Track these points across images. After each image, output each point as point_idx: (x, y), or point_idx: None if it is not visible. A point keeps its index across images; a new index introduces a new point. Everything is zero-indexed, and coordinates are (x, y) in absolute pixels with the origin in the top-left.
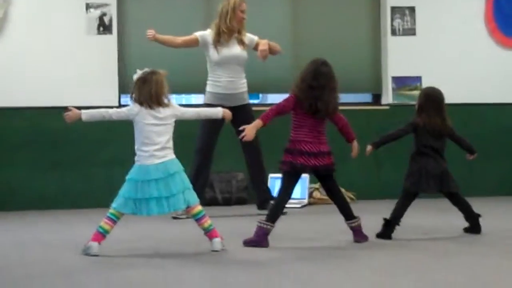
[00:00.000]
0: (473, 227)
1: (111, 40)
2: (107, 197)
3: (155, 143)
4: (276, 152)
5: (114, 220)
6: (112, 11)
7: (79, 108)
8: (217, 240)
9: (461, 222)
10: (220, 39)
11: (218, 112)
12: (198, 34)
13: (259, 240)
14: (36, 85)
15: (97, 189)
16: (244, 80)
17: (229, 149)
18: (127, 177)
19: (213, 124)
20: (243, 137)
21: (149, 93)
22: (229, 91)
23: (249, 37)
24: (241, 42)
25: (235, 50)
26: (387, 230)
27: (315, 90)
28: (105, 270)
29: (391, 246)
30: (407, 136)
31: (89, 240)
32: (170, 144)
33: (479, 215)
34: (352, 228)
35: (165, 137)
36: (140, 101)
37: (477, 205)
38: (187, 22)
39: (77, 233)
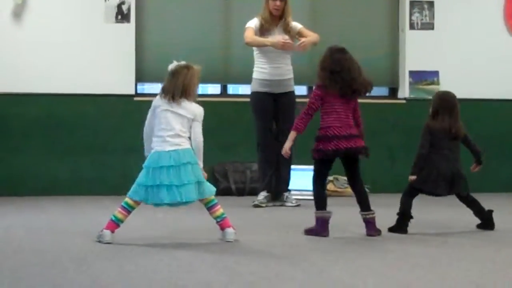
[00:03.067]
0: (486, 223)
1: (129, 29)
2: (121, 184)
3: (170, 129)
4: (298, 143)
5: (128, 209)
6: (130, 0)
7: (94, 95)
8: (229, 230)
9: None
10: (263, 26)
11: (201, 160)
12: (251, 24)
13: (318, 229)
14: (53, 72)
15: (111, 176)
16: (290, 67)
17: (244, 139)
18: (143, 164)
19: (265, 114)
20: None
21: (175, 86)
22: (274, 77)
23: (293, 24)
24: (286, 30)
25: (278, 37)
26: (401, 224)
27: (340, 73)
28: (118, 257)
29: (405, 239)
30: (420, 130)
31: (103, 228)
32: (186, 135)
33: (491, 211)
34: (365, 220)
35: (180, 126)
36: (165, 92)
37: (490, 201)
38: (205, 12)
39: (90, 220)
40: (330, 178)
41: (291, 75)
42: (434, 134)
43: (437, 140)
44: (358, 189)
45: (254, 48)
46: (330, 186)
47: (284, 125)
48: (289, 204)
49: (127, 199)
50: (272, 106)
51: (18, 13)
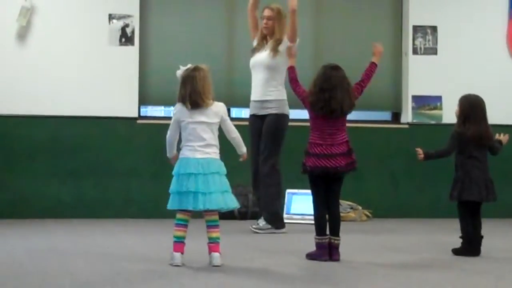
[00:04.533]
0: (469, 248)
1: (132, 51)
2: (124, 207)
3: (200, 140)
4: (290, 167)
5: (180, 224)
6: (134, 23)
7: (98, 118)
8: (216, 255)
9: None
10: (256, 45)
11: (243, 147)
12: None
13: (318, 254)
14: (56, 94)
15: (114, 198)
16: (273, 88)
17: (247, 163)
18: (172, 172)
19: (252, 133)
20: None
21: (192, 92)
22: (255, 98)
23: (286, 43)
24: (273, 49)
25: (262, 55)
26: (466, 246)
27: (326, 92)
28: (120, 281)
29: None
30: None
31: (172, 250)
32: (216, 142)
33: (482, 237)
34: (331, 244)
35: (210, 134)
36: (183, 100)
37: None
38: (209, 35)
39: (93, 243)
40: None
41: (274, 97)
42: (464, 141)
43: (467, 147)
44: (332, 211)
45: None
46: None
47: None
48: (253, 228)
49: (177, 216)
50: (259, 128)
51: (22, 35)
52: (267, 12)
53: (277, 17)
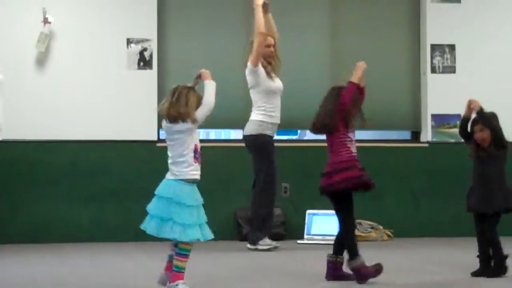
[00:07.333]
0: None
1: (151, 75)
2: (144, 230)
3: (169, 156)
4: (309, 188)
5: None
6: (152, 46)
7: (117, 141)
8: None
9: None
10: (267, 70)
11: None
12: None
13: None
14: (75, 118)
15: (134, 222)
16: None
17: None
18: None
19: (273, 152)
20: None
21: (164, 109)
22: (277, 121)
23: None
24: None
25: (279, 81)
26: (487, 266)
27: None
28: None
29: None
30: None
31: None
32: (181, 159)
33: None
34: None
35: (176, 151)
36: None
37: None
38: (227, 58)
39: (113, 267)
40: None
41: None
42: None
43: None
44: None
45: (259, 92)
46: None
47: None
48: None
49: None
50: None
51: (41, 61)
52: (271, 41)
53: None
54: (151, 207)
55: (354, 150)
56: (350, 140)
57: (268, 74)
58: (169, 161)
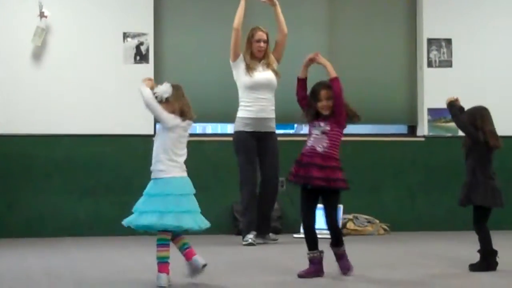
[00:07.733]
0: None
1: (147, 69)
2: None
3: (181, 154)
4: None
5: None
6: (149, 41)
7: (114, 136)
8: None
9: None
10: (249, 65)
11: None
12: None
13: (312, 270)
14: (72, 113)
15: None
16: (273, 107)
17: None
18: None
19: (249, 149)
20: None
21: (191, 111)
22: (259, 115)
23: (272, 58)
24: (274, 70)
25: (267, 75)
26: (484, 261)
27: None
28: None
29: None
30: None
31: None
32: (159, 158)
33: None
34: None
35: (156, 150)
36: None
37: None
38: (223, 53)
39: (110, 261)
40: (349, 216)
41: (274, 116)
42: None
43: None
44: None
45: (239, 87)
46: (349, 225)
47: (269, 172)
48: (270, 241)
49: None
50: (255, 145)
51: (37, 55)
52: (263, 36)
53: (268, 39)
54: (183, 205)
55: (309, 144)
56: (309, 134)
57: (248, 68)
58: (184, 158)
